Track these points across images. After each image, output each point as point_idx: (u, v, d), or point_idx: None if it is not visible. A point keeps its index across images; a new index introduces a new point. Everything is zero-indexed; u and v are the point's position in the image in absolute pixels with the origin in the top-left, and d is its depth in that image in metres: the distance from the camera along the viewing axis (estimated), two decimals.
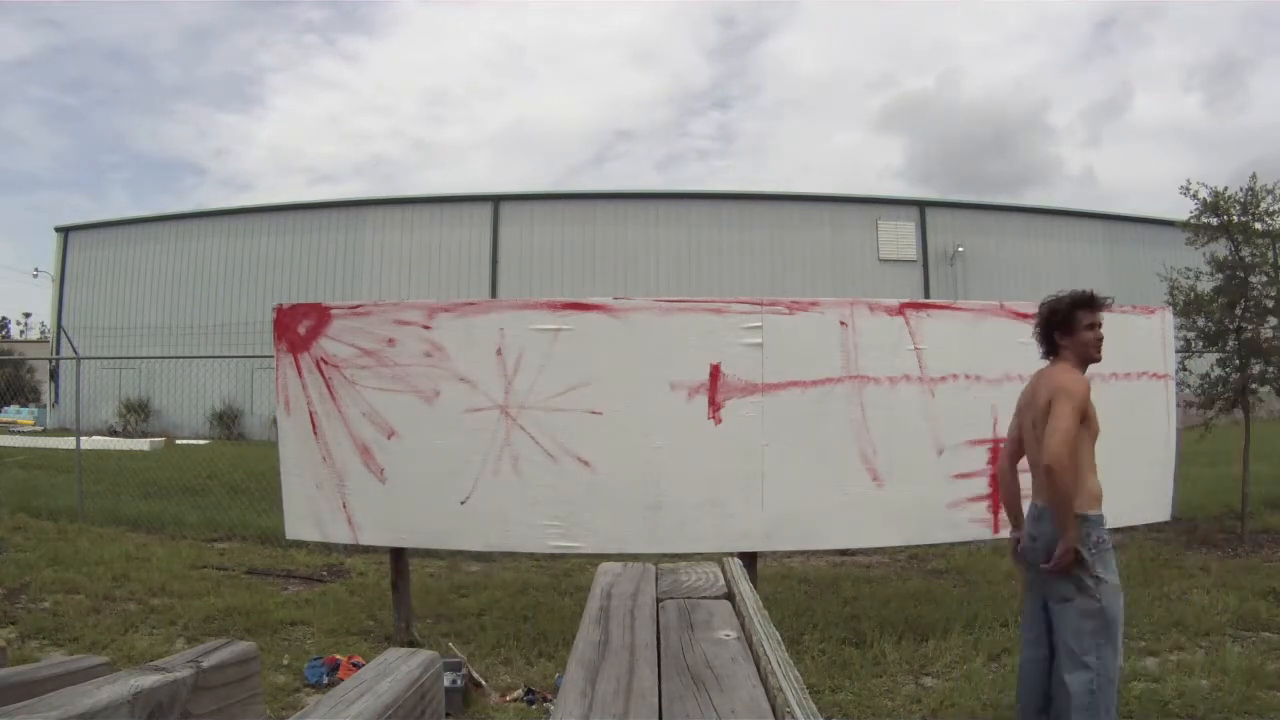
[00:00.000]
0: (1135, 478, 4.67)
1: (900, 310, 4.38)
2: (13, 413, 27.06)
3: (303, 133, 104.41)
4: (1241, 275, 6.78)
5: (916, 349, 4.34)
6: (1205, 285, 6.94)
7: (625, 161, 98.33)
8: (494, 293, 22.95)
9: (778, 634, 1.22)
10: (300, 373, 4.40)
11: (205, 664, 1.25)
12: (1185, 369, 6.73)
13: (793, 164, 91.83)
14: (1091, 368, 4.40)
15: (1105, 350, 3.05)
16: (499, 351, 4.23)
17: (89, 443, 12.45)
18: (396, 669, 1.14)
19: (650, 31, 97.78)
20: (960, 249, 24.11)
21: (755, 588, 1.58)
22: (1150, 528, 6.40)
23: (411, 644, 4.18)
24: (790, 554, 6.19)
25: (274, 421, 4.63)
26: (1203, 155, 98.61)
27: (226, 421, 22.51)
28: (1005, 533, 4.50)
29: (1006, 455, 3.18)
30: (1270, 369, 6.96)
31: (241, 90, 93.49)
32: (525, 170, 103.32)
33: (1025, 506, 3.09)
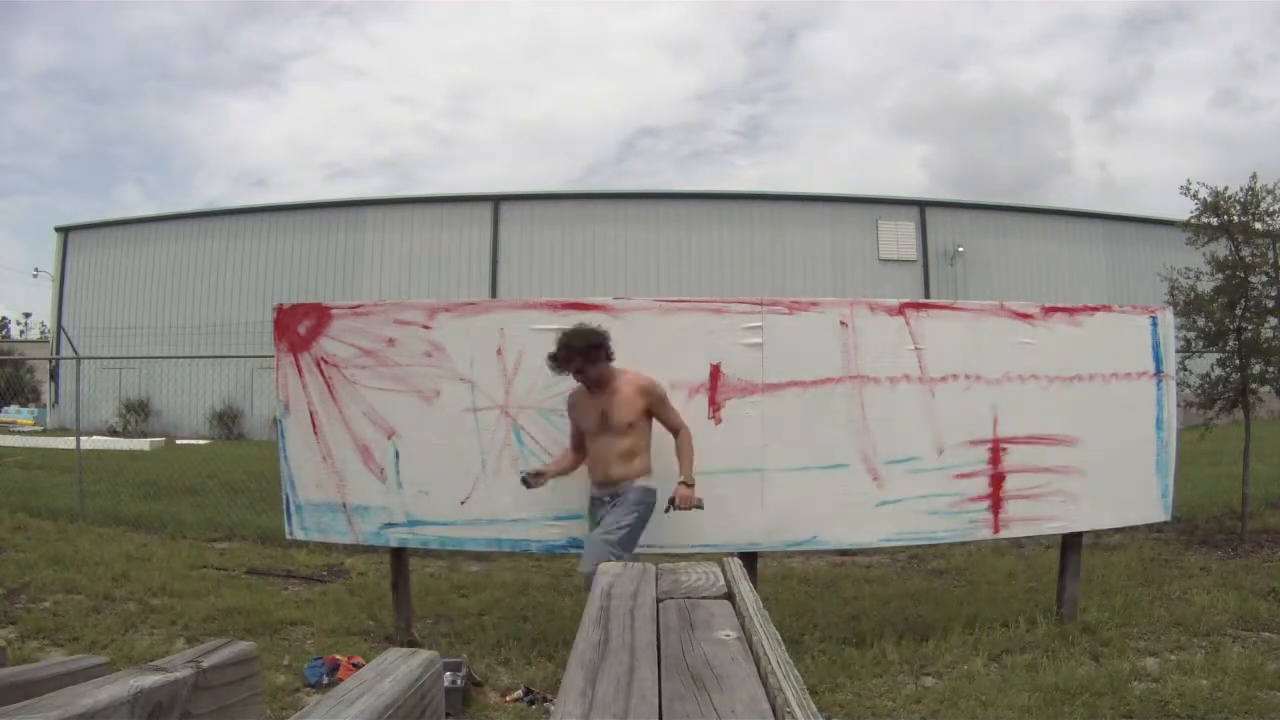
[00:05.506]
0: (1135, 478, 4.68)
1: (900, 310, 4.38)
2: (13, 413, 27.07)
3: (323, 125, 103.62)
4: (1241, 275, 6.78)
5: (916, 349, 4.34)
6: (1205, 285, 6.94)
7: (647, 159, 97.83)
8: (494, 293, 22.95)
9: (778, 634, 1.22)
10: (300, 373, 4.40)
11: (205, 664, 1.25)
12: (1185, 369, 6.72)
13: (822, 162, 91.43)
14: (1092, 367, 4.52)
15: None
16: (499, 351, 4.23)
17: (89, 443, 12.46)
18: (396, 669, 1.14)
19: (686, 25, 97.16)
20: (960, 249, 24.10)
21: (755, 588, 1.58)
22: (1150, 528, 6.40)
23: (411, 644, 4.18)
24: (790, 554, 6.19)
25: (274, 421, 4.63)
26: (1220, 153, 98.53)
27: (226, 421, 22.51)
28: (1006, 532, 4.54)
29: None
30: (1270, 369, 6.96)
31: (259, 78, 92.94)
32: (546, 167, 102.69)
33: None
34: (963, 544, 6.07)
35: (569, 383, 4.11)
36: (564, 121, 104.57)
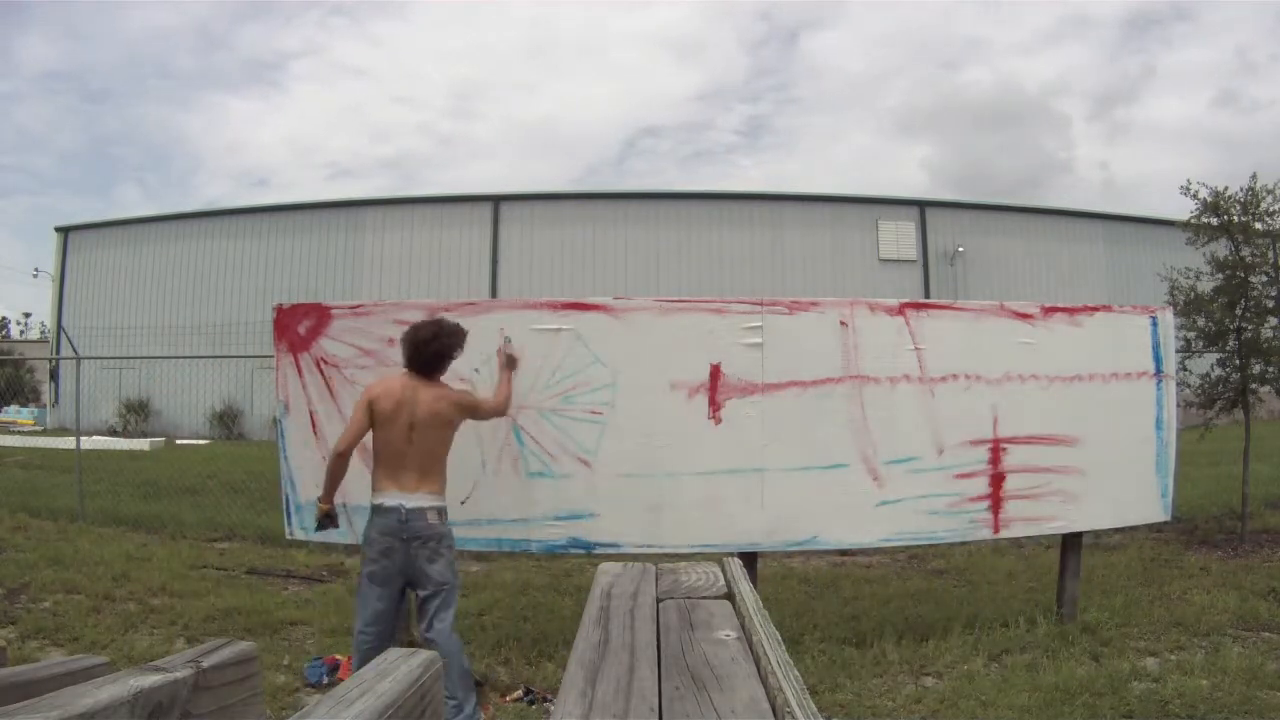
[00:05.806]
0: (1135, 478, 4.68)
1: (900, 310, 4.38)
2: (13, 413, 27.07)
3: (324, 125, 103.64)
4: (1241, 275, 6.78)
5: (916, 349, 4.34)
6: (1205, 285, 6.94)
7: (648, 159, 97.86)
8: (494, 293, 22.94)
9: (778, 634, 1.22)
10: (300, 373, 4.39)
11: (205, 664, 1.25)
12: (1185, 369, 6.73)
13: (823, 162, 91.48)
14: (1092, 367, 4.49)
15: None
16: (499, 351, 4.22)
17: (89, 443, 12.46)
18: (396, 669, 1.14)
19: (688, 25, 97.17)
20: (960, 249, 24.10)
21: (755, 588, 1.58)
22: (1150, 528, 6.41)
23: (411, 644, 4.18)
24: (790, 554, 6.19)
25: (274, 421, 4.63)
26: (1220, 153, 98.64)
27: (226, 421, 22.51)
28: (1006, 532, 4.54)
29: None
30: (1270, 369, 6.96)
31: (260, 77, 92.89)
32: (546, 167, 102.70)
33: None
34: (963, 544, 6.07)
35: (571, 381, 4.10)
36: (564, 121, 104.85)
